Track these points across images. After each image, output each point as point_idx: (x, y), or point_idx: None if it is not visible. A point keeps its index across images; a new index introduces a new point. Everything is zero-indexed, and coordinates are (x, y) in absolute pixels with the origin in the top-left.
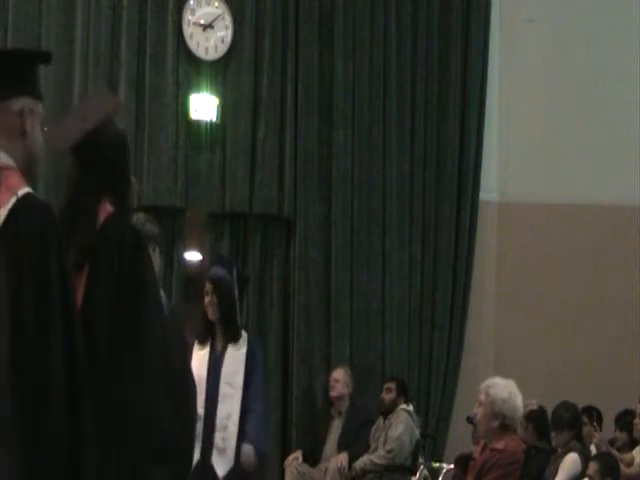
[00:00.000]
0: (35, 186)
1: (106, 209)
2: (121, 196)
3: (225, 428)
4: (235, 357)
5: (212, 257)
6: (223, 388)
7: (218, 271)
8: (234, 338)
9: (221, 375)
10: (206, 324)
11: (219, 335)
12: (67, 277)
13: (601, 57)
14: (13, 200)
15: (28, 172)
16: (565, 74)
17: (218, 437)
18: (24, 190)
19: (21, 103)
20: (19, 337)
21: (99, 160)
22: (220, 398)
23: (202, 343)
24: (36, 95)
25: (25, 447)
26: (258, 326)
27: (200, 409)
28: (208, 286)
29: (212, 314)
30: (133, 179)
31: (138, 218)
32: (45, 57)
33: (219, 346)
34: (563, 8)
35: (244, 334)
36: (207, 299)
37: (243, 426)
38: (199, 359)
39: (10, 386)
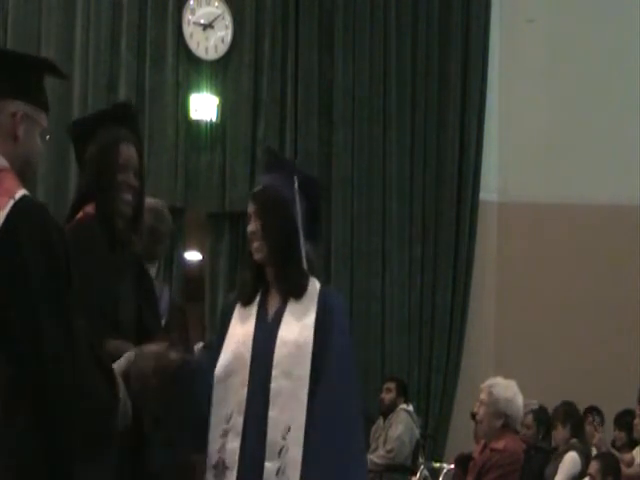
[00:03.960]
0: (33, 190)
1: (85, 211)
2: (102, 200)
3: (282, 452)
4: (298, 324)
5: (263, 157)
6: (277, 380)
7: (267, 180)
8: (295, 291)
9: (274, 356)
10: (252, 271)
11: (272, 289)
12: (72, 277)
13: (601, 57)
14: (11, 203)
15: (22, 177)
16: (565, 74)
17: (269, 469)
18: (20, 192)
19: (15, 107)
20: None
21: (87, 162)
22: (272, 397)
23: (246, 304)
24: (35, 102)
25: None
26: None
27: (237, 416)
28: (251, 207)
29: (257, 251)
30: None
31: (152, 210)
32: (44, 66)
33: (272, 307)
34: (563, 8)
35: (314, 284)
36: (250, 227)
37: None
38: (241, 331)
39: None
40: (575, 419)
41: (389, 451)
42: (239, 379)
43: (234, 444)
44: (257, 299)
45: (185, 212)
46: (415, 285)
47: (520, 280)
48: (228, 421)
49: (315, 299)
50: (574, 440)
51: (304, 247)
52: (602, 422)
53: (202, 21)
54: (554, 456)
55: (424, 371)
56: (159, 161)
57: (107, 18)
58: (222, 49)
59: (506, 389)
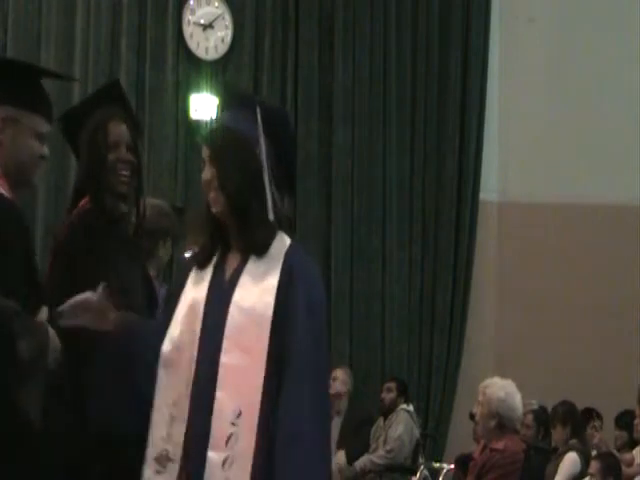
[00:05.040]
0: (33, 192)
1: (82, 205)
2: (94, 194)
3: (230, 441)
4: (257, 287)
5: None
6: (229, 353)
7: (224, 118)
8: (256, 246)
9: (226, 325)
10: (209, 228)
11: (233, 247)
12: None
13: (601, 57)
14: None
15: (16, 180)
16: (565, 74)
17: (213, 460)
18: None
19: None
20: None
21: (79, 150)
22: (221, 375)
23: (202, 266)
24: (21, 106)
25: None
26: None
27: (185, 400)
28: (204, 151)
29: (214, 203)
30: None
31: (156, 207)
32: (25, 68)
33: (230, 268)
34: (563, 7)
35: (283, 240)
36: (203, 175)
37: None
38: (192, 298)
39: None
40: (575, 419)
41: (389, 451)
42: (188, 354)
43: (180, 432)
44: (215, 260)
45: (185, 212)
46: (415, 285)
47: (520, 280)
48: (175, 404)
49: (281, 258)
50: (573, 440)
51: (271, 196)
52: (601, 425)
53: (202, 21)
54: (554, 456)
55: (424, 371)
56: (159, 161)
57: (107, 18)
58: (222, 49)
59: (499, 389)
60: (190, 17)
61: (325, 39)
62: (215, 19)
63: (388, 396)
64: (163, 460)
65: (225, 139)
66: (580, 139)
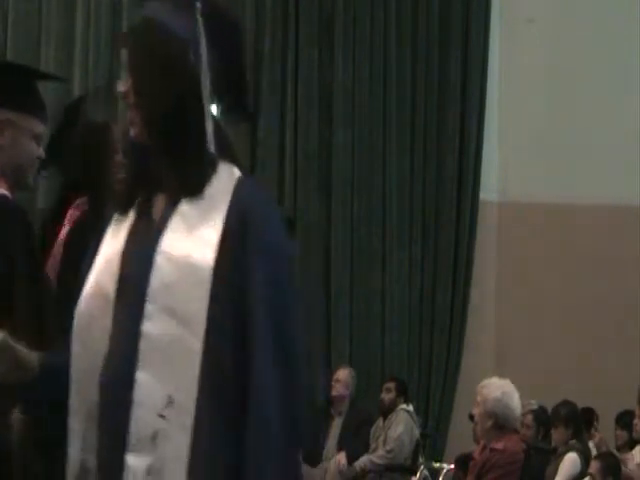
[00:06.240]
0: (33, 194)
1: (76, 208)
2: (93, 196)
3: (156, 439)
4: (191, 236)
5: None
6: (153, 320)
7: (149, 9)
8: (188, 184)
9: (149, 284)
10: (129, 161)
11: (160, 185)
12: (34, 282)
13: (601, 57)
14: None
15: (15, 182)
16: (565, 74)
17: (134, 467)
18: None
19: None
20: None
21: (78, 155)
22: (142, 349)
23: (123, 211)
24: (18, 108)
25: None
26: None
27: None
28: (123, 54)
29: (132, 124)
30: None
31: None
32: (23, 72)
33: (157, 212)
34: (563, 8)
35: (229, 174)
36: (119, 87)
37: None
38: (108, 252)
39: None
40: (572, 416)
41: (389, 451)
42: (101, 325)
43: (92, 436)
44: (139, 201)
45: None
46: (415, 285)
47: (520, 280)
48: (89, 396)
49: (227, 198)
50: (573, 441)
51: (210, 119)
52: (597, 422)
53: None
54: (554, 456)
55: (424, 371)
56: None
57: (107, 18)
58: None
59: (496, 389)
60: None
61: (325, 39)
62: None
63: (388, 396)
64: (82, 475)
65: (146, 36)
66: (580, 139)
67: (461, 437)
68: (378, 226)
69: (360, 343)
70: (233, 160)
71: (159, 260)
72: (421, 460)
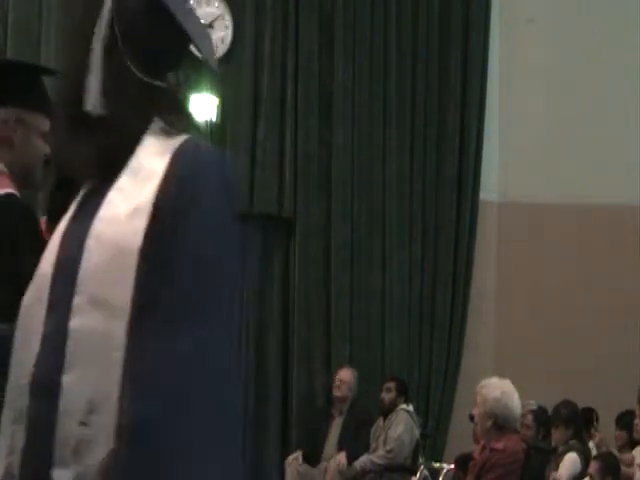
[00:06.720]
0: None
1: None
2: None
3: (80, 450)
4: (125, 211)
5: None
6: (80, 314)
7: None
8: (108, 151)
9: (79, 271)
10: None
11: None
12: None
13: (601, 57)
14: None
15: (23, 180)
16: (565, 74)
17: (59, 476)
18: (6, 190)
19: (4, 114)
20: None
21: None
22: (69, 348)
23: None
24: (27, 106)
25: None
26: (258, 326)
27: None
28: None
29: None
30: None
31: None
32: (35, 69)
33: (100, 191)
34: (563, 8)
35: (167, 137)
36: None
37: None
38: (54, 238)
39: None
40: (573, 417)
41: (389, 451)
42: (36, 320)
43: (19, 438)
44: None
45: None
46: (415, 285)
47: (520, 280)
48: (21, 397)
49: (163, 164)
50: (573, 441)
51: (100, 74)
52: (597, 422)
53: (202, 21)
54: (554, 456)
55: (424, 371)
56: None
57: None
58: (222, 49)
59: (495, 389)
60: None
61: (325, 39)
62: (215, 19)
63: (388, 396)
64: None
65: None
66: (580, 139)
67: (461, 437)
68: (378, 226)
69: (360, 343)
70: (179, 122)
71: (90, 245)
72: (421, 460)
